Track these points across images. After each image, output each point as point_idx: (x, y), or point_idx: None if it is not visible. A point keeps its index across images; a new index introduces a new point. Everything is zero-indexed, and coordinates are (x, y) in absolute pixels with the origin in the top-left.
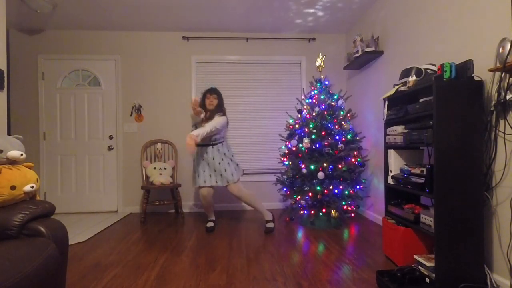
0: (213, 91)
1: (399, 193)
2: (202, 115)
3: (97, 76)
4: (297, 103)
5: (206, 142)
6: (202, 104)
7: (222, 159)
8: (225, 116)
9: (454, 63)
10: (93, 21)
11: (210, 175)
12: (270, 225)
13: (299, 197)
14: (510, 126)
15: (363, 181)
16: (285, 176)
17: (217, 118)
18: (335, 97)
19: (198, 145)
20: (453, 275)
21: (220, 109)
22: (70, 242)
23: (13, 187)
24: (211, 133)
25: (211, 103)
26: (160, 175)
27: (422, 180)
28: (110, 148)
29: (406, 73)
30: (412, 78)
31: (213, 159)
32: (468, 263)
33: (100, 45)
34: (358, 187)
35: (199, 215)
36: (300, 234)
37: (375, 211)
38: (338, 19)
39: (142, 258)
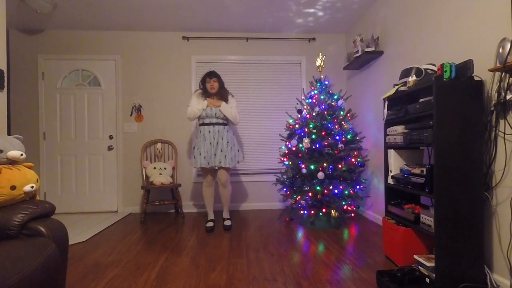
0: (212, 75)
1: (399, 193)
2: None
3: (97, 76)
4: (297, 103)
5: (219, 122)
6: (203, 88)
7: (228, 141)
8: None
9: (454, 63)
10: (93, 21)
11: (214, 155)
12: (228, 222)
13: (299, 197)
14: (510, 126)
15: (363, 181)
16: (285, 176)
17: (233, 102)
18: (335, 97)
19: (210, 123)
20: (453, 275)
21: (223, 90)
22: (70, 242)
23: (13, 187)
24: (232, 117)
25: (212, 87)
26: (160, 175)
27: (422, 180)
28: (110, 148)
29: (406, 73)
30: (412, 78)
31: (222, 138)
32: (468, 263)
33: (100, 45)
34: (358, 187)
35: (199, 215)
36: (300, 234)
37: (375, 211)
38: (338, 19)
39: (142, 258)
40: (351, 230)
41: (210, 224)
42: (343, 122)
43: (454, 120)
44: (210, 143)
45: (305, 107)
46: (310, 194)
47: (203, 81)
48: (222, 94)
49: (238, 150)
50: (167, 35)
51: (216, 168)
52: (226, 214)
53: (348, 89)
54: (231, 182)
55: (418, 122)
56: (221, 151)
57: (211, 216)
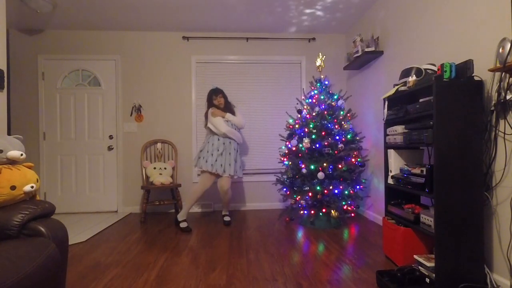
0: (218, 92)
1: (399, 193)
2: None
3: (97, 76)
4: (297, 103)
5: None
6: (211, 105)
7: (231, 153)
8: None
9: (454, 63)
10: (93, 21)
11: (230, 164)
12: (228, 218)
13: (299, 197)
14: (510, 126)
15: (363, 181)
16: (285, 176)
17: (238, 112)
18: (335, 97)
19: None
20: (453, 275)
21: (230, 104)
22: (70, 242)
23: (13, 187)
24: (237, 122)
25: (220, 103)
26: (160, 175)
27: (422, 180)
28: (110, 148)
29: (406, 73)
30: (412, 78)
31: (230, 148)
32: (468, 263)
33: (100, 45)
34: (358, 187)
35: (199, 215)
36: (300, 234)
37: (375, 211)
38: (338, 19)
39: (142, 258)
40: (351, 230)
41: (184, 224)
42: (343, 122)
43: (454, 120)
44: (218, 150)
45: (305, 107)
46: (310, 194)
47: (210, 99)
48: (229, 108)
49: (240, 167)
50: (167, 35)
51: (221, 175)
52: (225, 212)
53: (348, 89)
54: (232, 182)
55: (418, 122)
56: (235, 161)
57: (185, 216)
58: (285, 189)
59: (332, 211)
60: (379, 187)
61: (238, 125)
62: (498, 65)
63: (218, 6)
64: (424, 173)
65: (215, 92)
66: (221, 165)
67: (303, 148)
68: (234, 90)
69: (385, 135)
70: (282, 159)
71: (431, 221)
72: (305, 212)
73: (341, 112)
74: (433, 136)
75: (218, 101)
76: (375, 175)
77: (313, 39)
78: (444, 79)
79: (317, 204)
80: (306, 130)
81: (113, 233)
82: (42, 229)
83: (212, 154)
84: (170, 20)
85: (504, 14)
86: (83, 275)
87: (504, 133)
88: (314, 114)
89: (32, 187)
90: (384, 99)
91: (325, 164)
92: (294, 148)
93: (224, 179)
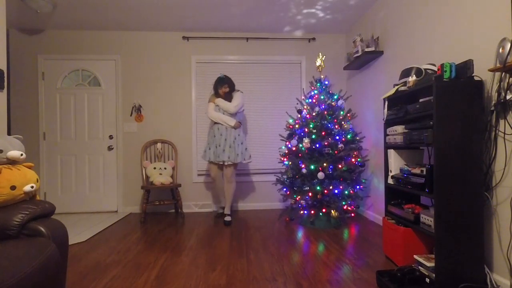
0: (224, 83)
1: (399, 193)
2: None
3: (97, 76)
4: (297, 103)
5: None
6: (217, 94)
7: (236, 138)
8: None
9: (454, 63)
10: (93, 21)
11: (223, 150)
12: (229, 218)
13: (299, 197)
14: (510, 126)
15: (363, 181)
16: (285, 176)
17: (236, 96)
18: (335, 97)
19: (219, 122)
20: (453, 275)
21: (231, 93)
22: (70, 242)
23: (13, 187)
24: (225, 108)
25: (224, 92)
26: (160, 175)
27: (422, 180)
28: (110, 148)
29: (406, 73)
30: (412, 78)
31: (230, 135)
32: (468, 263)
33: (100, 45)
34: (358, 187)
35: (199, 215)
36: (300, 234)
37: (375, 211)
38: (338, 19)
39: (142, 258)
40: (351, 230)
41: (229, 218)
42: (343, 122)
43: (454, 120)
44: (218, 139)
45: (305, 107)
46: (310, 194)
47: (215, 87)
48: (227, 96)
49: (246, 148)
50: (167, 35)
51: (223, 163)
52: (226, 210)
53: (348, 89)
54: None
55: (418, 122)
56: (230, 147)
57: (222, 202)
58: (285, 189)
59: (332, 211)
60: (379, 187)
61: (225, 110)
62: (498, 65)
63: (218, 6)
64: (424, 173)
65: (221, 82)
66: (214, 152)
67: (303, 148)
68: None
69: (385, 135)
70: (282, 159)
71: (431, 221)
72: (305, 212)
73: (341, 112)
74: (433, 136)
75: (222, 91)
76: (375, 175)
77: (313, 39)
78: (444, 79)
79: (317, 204)
80: (306, 130)
81: (113, 233)
82: (42, 229)
83: (208, 143)
84: (170, 20)
85: (504, 14)
86: (83, 275)
87: (504, 133)
88: (314, 114)
89: (32, 187)
90: (384, 99)
91: (325, 164)
92: (294, 148)
93: (227, 168)
